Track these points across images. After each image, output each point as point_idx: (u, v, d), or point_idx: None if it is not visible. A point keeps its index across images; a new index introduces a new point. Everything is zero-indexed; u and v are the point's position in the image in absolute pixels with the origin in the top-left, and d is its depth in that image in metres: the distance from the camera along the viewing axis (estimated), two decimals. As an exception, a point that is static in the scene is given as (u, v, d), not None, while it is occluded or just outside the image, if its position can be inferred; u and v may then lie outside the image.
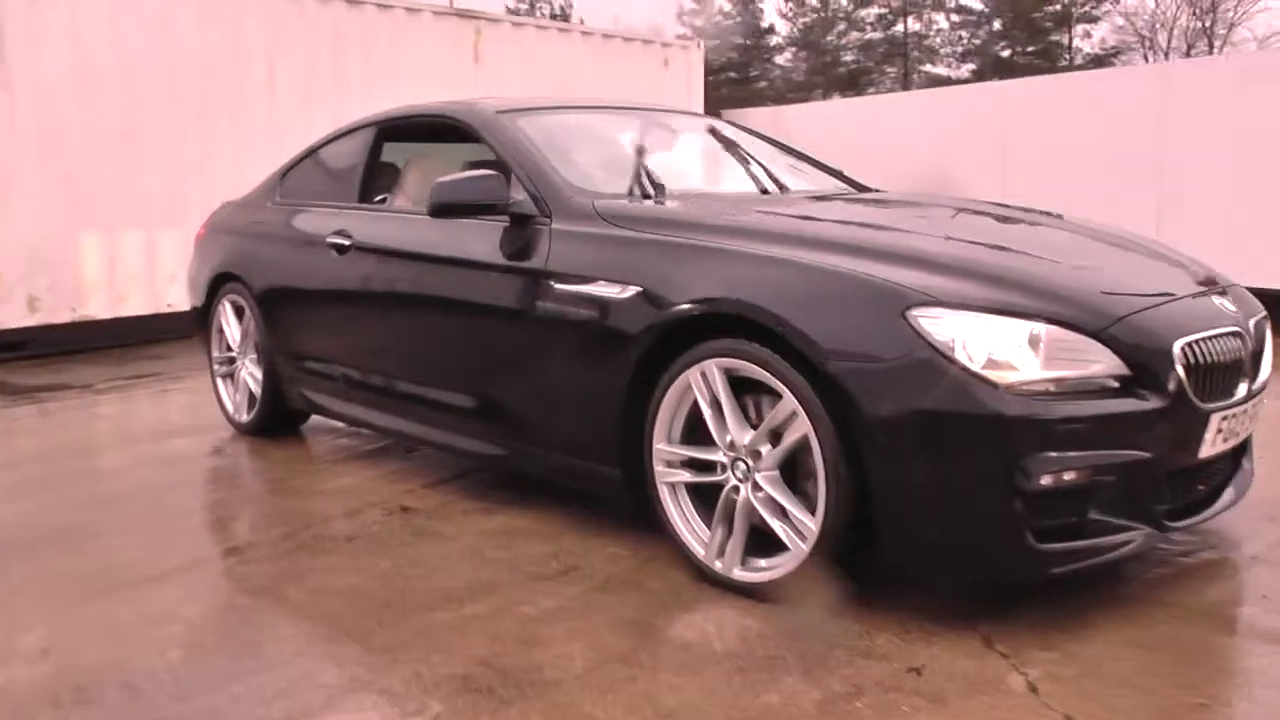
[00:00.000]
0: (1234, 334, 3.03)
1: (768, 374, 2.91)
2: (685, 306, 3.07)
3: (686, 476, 3.19)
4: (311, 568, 3.33)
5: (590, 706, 2.45)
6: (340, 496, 4.10)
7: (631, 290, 3.22)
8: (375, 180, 4.70)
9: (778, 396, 2.96)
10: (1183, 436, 2.89)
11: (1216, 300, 3.17)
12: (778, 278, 2.94)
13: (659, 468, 3.22)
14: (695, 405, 3.14)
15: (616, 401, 3.27)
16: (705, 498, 3.22)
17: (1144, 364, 2.80)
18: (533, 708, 2.45)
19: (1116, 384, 2.77)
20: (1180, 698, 2.47)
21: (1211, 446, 2.95)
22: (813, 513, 2.89)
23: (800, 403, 2.85)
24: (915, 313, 2.71)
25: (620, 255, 3.33)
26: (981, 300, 2.76)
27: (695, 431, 3.18)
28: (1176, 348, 2.85)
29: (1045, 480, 2.67)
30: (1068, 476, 2.70)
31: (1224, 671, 2.68)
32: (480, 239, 3.75)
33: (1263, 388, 3.19)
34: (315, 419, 5.08)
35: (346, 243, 4.38)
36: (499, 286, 3.66)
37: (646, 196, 3.70)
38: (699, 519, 3.20)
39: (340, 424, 4.95)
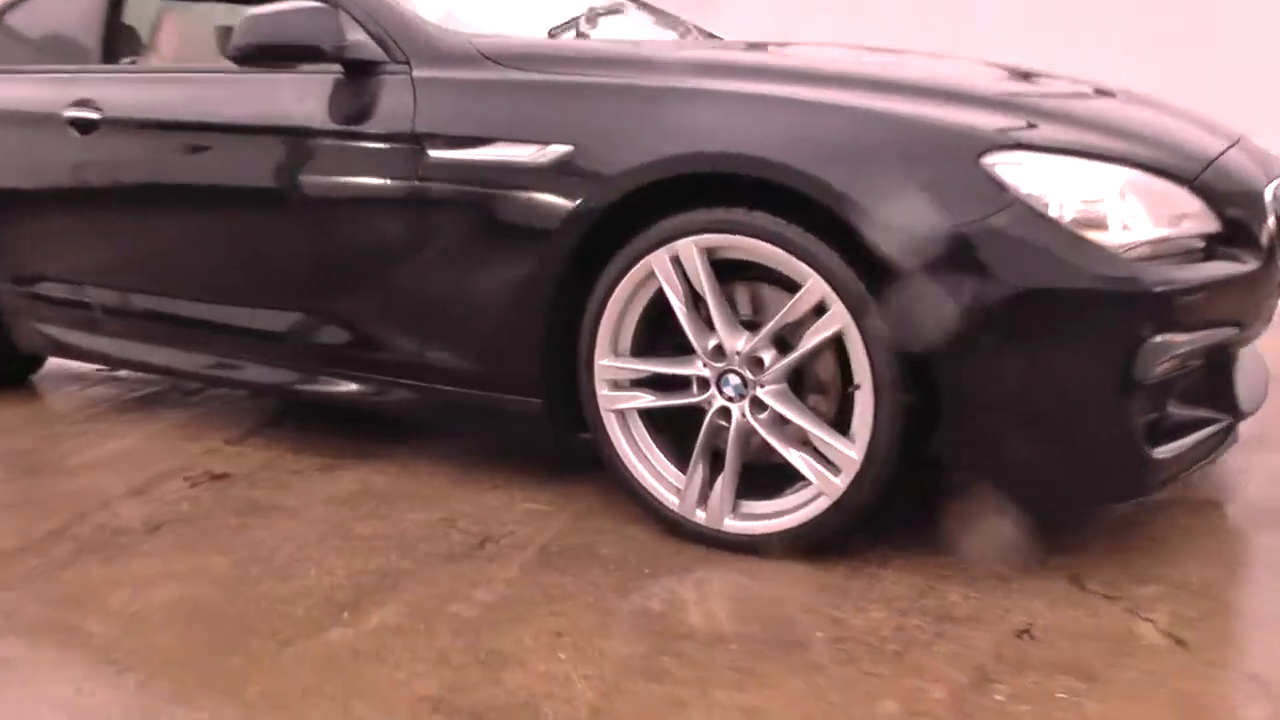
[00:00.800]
0: None
1: (783, 252, 2.08)
2: (656, 165, 2.18)
3: (647, 399, 2.33)
4: (109, 579, 2.25)
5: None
6: (118, 467, 2.96)
7: (556, 151, 2.30)
8: (121, 38, 3.45)
9: (780, 285, 2.16)
10: (1265, 304, 2.32)
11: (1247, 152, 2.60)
12: (801, 125, 2.12)
13: (604, 391, 2.35)
14: (650, 306, 2.29)
15: (537, 306, 2.37)
16: (668, 428, 2.38)
17: (1237, 218, 2.17)
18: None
19: (1202, 243, 2.13)
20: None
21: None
22: (848, 434, 2.12)
23: (835, 289, 2.04)
24: (993, 159, 1.97)
25: (533, 106, 2.40)
26: (1069, 142, 2.05)
27: (649, 342, 2.35)
28: (1269, 194, 2.25)
29: (1161, 369, 2.01)
30: (1172, 363, 2.05)
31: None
32: (302, 98, 2.70)
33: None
34: (51, 364, 3.83)
35: (94, 116, 3.15)
36: (339, 161, 2.64)
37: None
38: (661, 457, 2.35)
39: (92, 367, 3.73)
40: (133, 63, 3.42)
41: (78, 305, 3.34)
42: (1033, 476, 2.06)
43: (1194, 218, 2.13)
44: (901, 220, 1.99)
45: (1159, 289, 1.97)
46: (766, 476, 2.31)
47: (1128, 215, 2.01)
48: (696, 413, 2.32)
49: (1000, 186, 1.96)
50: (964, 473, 2.11)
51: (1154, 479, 2.08)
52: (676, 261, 2.21)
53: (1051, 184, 1.98)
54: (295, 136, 2.71)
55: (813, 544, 2.23)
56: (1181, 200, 2.12)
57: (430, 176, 2.46)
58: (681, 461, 2.36)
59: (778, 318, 2.14)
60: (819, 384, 2.28)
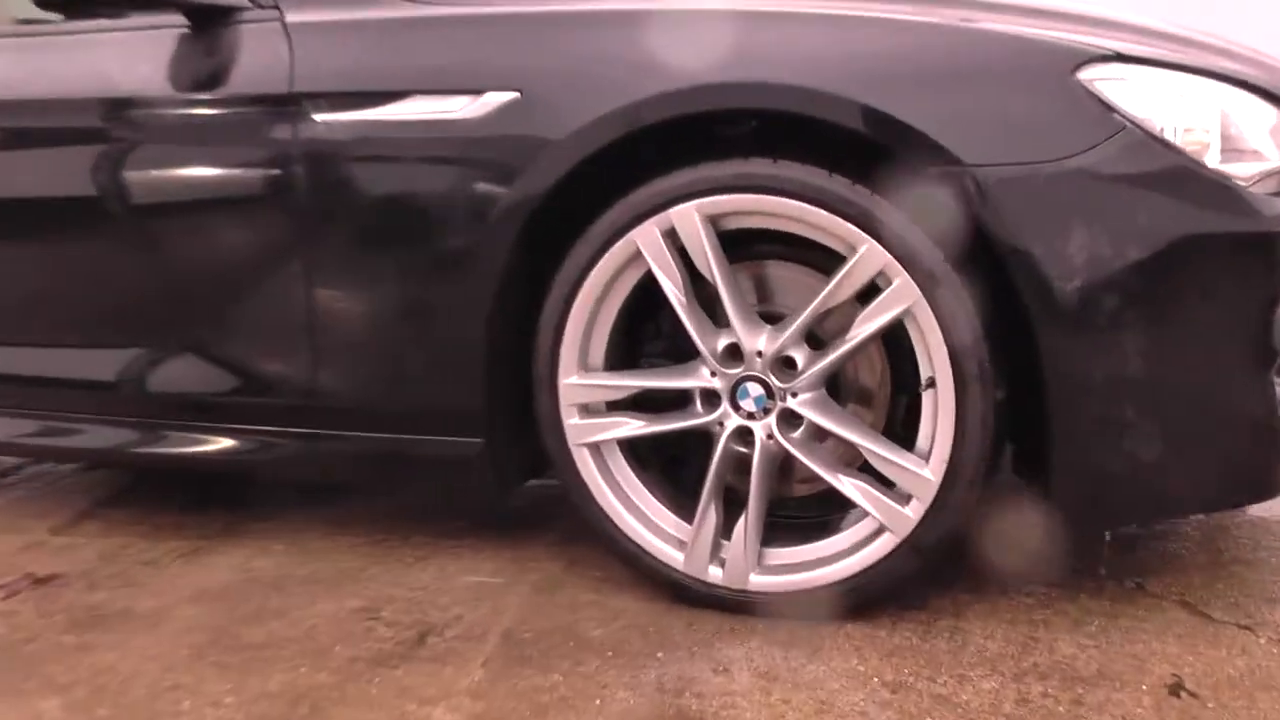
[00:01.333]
0: None
1: (825, 213, 1.56)
2: (644, 108, 1.63)
3: (635, 426, 1.76)
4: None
5: None
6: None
7: (495, 101, 1.72)
8: None
9: (802, 263, 1.66)
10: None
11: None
12: (846, 43, 1.61)
13: (573, 420, 1.76)
14: (629, 304, 1.74)
15: (476, 315, 1.78)
16: (655, 462, 1.84)
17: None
18: None
19: None
20: None
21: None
22: (914, 449, 1.64)
23: (898, 257, 1.53)
24: (1091, 74, 1.49)
25: (459, 45, 1.81)
26: (1176, 57, 1.60)
27: (619, 354, 1.82)
28: None
29: (1300, 335, 1.58)
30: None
31: None
32: (134, 61, 2.03)
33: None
34: None
35: None
36: (189, 141, 1.98)
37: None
38: (654, 501, 1.79)
39: None
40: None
41: None
42: (1156, 477, 1.58)
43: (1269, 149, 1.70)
44: (989, 156, 1.49)
45: (1303, 235, 1.53)
46: (792, 515, 1.78)
47: (1253, 141, 1.56)
48: (700, 439, 1.77)
49: (1106, 108, 1.49)
50: (1064, 483, 1.60)
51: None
52: (670, 236, 1.66)
53: (1164, 105, 1.53)
54: (125, 112, 2.03)
55: (873, 598, 1.69)
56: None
57: (317, 149, 1.84)
58: (679, 506, 1.80)
59: (818, 300, 1.62)
60: (859, 390, 1.76)
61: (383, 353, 1.88)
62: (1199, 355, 1.54)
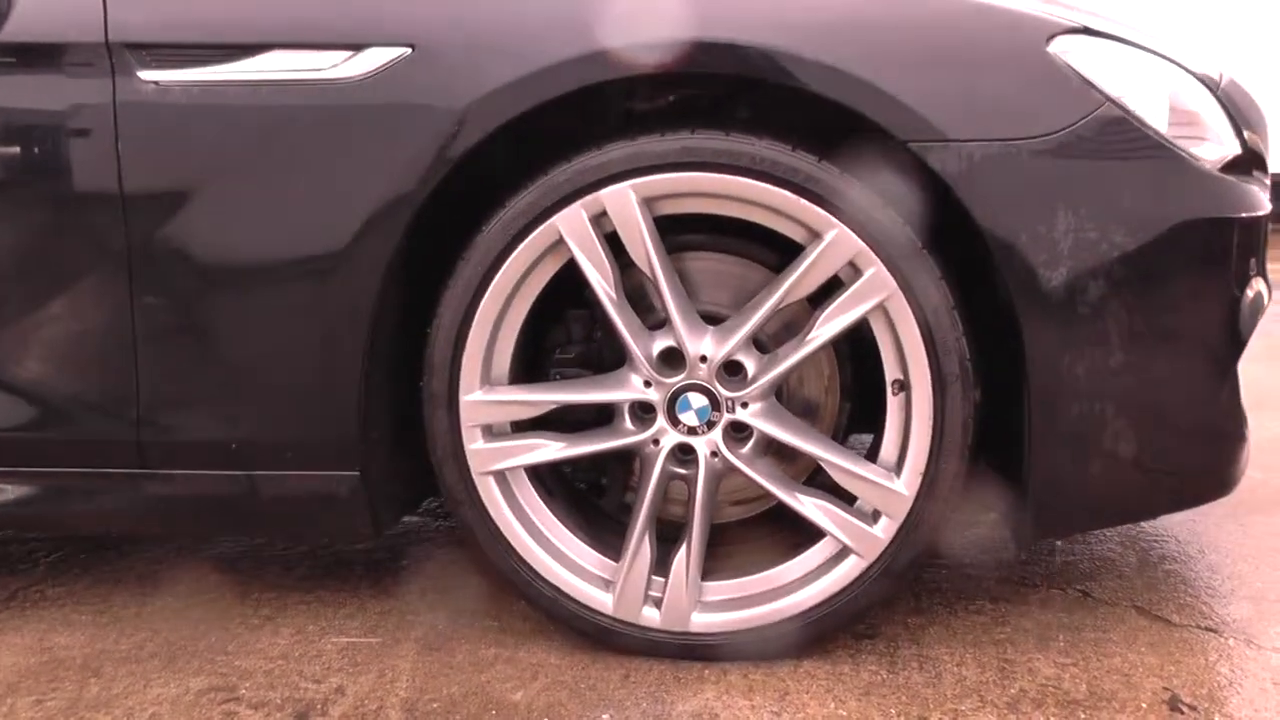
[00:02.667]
0: None
1: (790, 195, 1.38)
2: (576, 67, 1.39)
3: (553, 449, 1.51)
4: None
5: None
6: None
7: (379, 58, 1.44)
8: None
9: (742, 255, 1.49)
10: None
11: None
12: (816, 6, 1.41)
13: (477, 444, 1.50)
14: (532, 311, 1.51)
15: (351, 324, 1.49)
16: (561, 491, 1.61)
17: (1251, 142, 1.74)
18: None
19: None
20: None
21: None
22: (878, 460, 1.47)
23: (871, 245, 1.37)
24: (1060, 46, 1.38)
25: None
26: (1133, 35, 1.52)
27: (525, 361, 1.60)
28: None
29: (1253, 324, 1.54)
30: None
31: None
32: None
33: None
34: None
35: None
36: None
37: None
38: (570, 536, 1.55)
39: None
40: None
41: None
42: (1134, 475, 1.48)
43: (1225, 136, 1.66)
44: (972, 131, 1.35)
45: (1260, 216, 1.48)
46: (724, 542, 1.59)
47: (1221, 124, 1.50)
48: (619, 462, 1.55)
49: (1085, 82, 1.38)
50: (1041, 487, 1.48)
51: (1243, 467, 1.58)
52: (598, 222, 1.43)
53: (1127, 82, 1.43)
54: None
55: (831, 629, 1.52)
56: (1219, 116, 1.63)
57: (142, 117, 1.48)
58: (596, 540, 1.57)
59: (778, 295, 1.43)
60: (803, 399, 1.58)
61: (229, 372, 1.54)
62: (1176, 342, 1.45)
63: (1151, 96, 1.45)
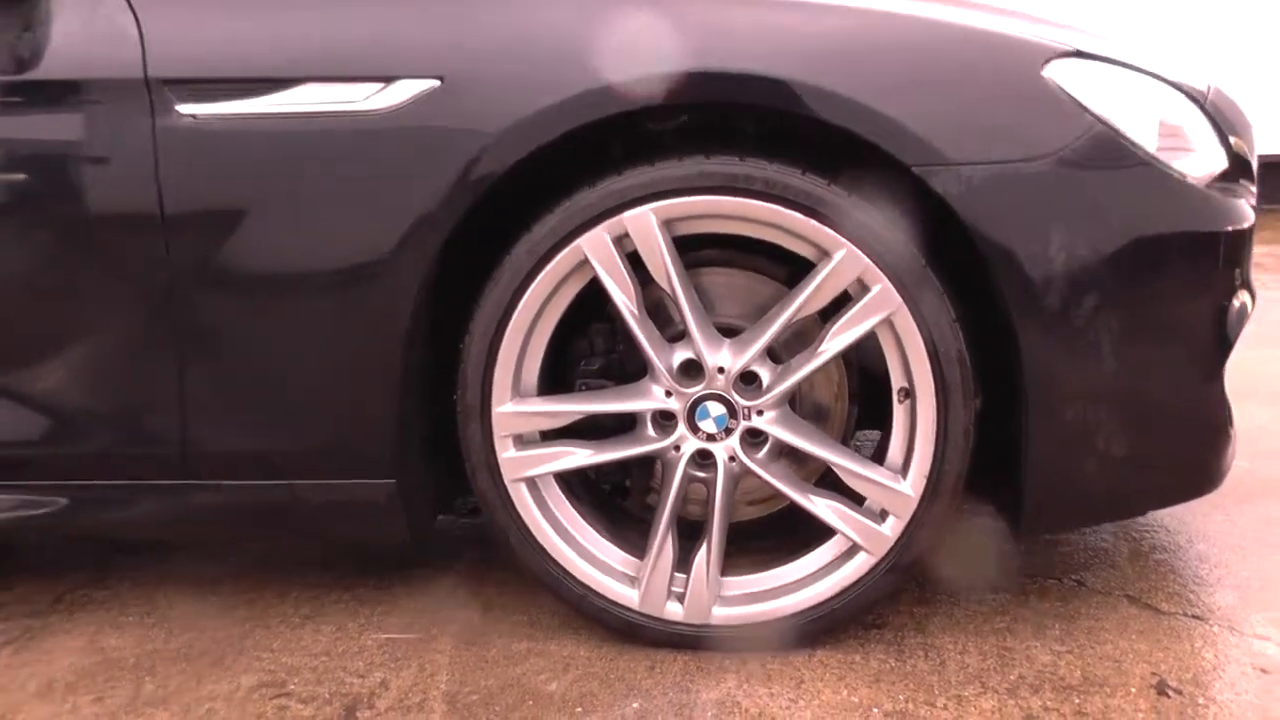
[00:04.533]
0: None
1: (800, 217, 1.52)
2: (601, 97, 1.52)
3: (582, 456, 1.65)
4: None
5: None
6: None
7: (410, 90, 1.57)
8: None
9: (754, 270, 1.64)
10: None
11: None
12: (825, 34, 1.56)
13: (509, 452, 1.64)
14: (560, 326, 1.65)
15: (387, 341, 1.63)
16: (586, 494, 1.75)
17: (1238, 150, 1.87)
18: None
19: None
20: None
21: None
22: (885, 463, 1.63)
23: (878, 263, 1.50)
24: (1054, 70, 1.52)
25: (365, 20, 1.62)
26: (1122, 55, 1.65)
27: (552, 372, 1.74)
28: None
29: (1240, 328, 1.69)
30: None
31: None
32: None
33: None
34: None
35: None
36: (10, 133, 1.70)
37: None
38: (597, 536, 1.70)
39: None
40: None
41: None
42: (1124, 475, 1.62)
43: (1212, 149, 1.79)
44: (970, 153, 1.48)
45: (1245, 228, 1.62)
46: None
47: (1207, 141, 1.63)
48: (641, 465, 1.69)
49: (1077, 105, 1.51)
50: (1035, 487, 1.62)
51: (1230, 463, 1.72)
52: (620, 242, 1.56)
53: (1118, 103, 1.57)
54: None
55: (842, 621, 1.66)
56: (1205, 129, 1.76)
57: (180, 147, 1.61)
58: (621, 539, 1.71)
59: (791, 310, 1.57)
60: (814, 404, 1.72)
61: (270, 389, 1.68)
62: (1166, 350, 1.60)
63: (1140, 115, 1.59)
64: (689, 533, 1.70)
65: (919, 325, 1.53)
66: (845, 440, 1.76)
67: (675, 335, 1.64)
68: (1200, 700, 1.52)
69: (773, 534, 1.78)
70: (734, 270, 1.72)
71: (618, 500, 1.82)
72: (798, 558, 1.68)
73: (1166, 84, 1.65)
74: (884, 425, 1.67)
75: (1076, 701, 1.52)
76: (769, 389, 1.61)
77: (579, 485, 1.76)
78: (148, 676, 1.72)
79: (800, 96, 1.49)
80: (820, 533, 1.66)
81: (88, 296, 1.69)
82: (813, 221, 1.52)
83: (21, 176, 1.68)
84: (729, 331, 1.64)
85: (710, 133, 1.62)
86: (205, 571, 2.05)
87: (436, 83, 1.55)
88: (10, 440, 1.74)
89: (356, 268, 1.61)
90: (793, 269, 1.65)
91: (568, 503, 1.70)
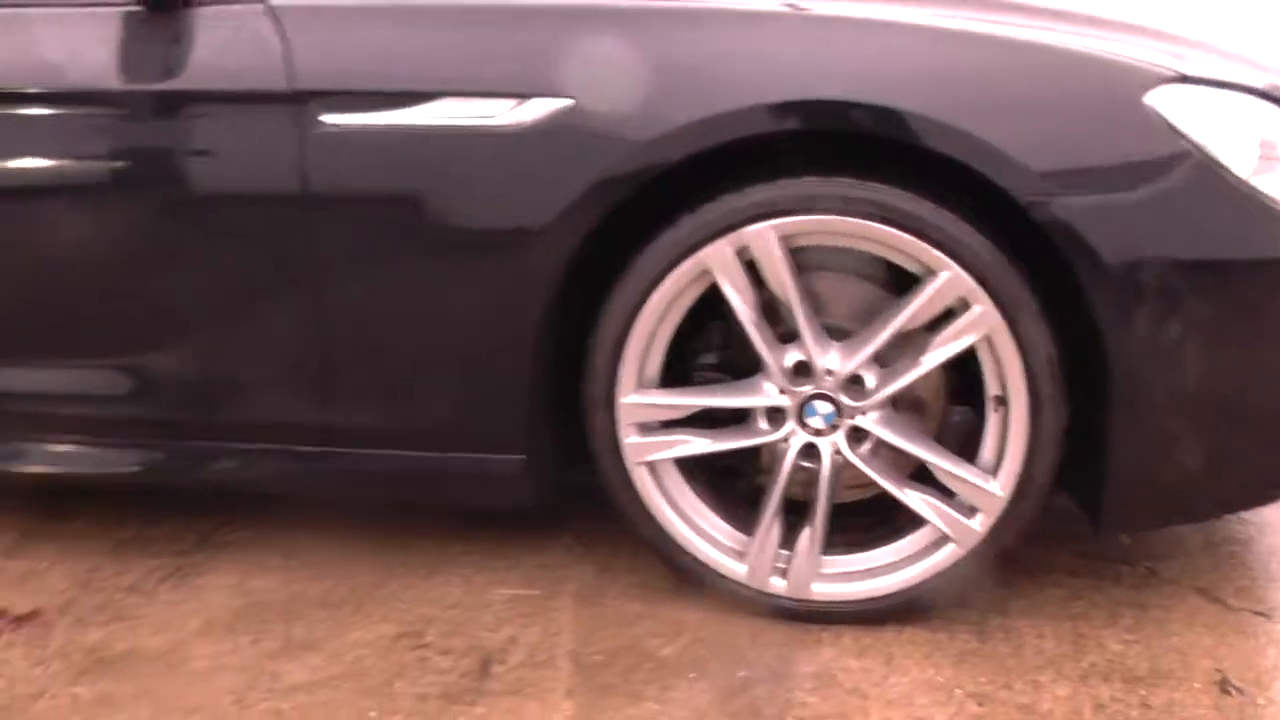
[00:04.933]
0: None
1: (908, 238, 1.65)
2: (729, 121, 1.66)
3: (699, 444, 1.82)
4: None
5: None
6: None
7: (545, 108, 1.71)
8: None
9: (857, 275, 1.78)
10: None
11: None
12: (940, 62, 1.68)
13: (632, 438, 1.81)
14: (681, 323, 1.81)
15: (520, 336, 1.80)
16: (700, 472, 1.90)
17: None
18: None
19: None
20: None
21: None
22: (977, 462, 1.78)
23: (981, 283, 1.63)
24: (1158, 96, 1.61)
25: (499, 38, 1.78)
26: (1229, 75, 1.74)
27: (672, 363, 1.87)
28: None
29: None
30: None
31: None
32: (84, 44, 1.88)
33: None
34: None
35: None
36: (162, 143, 1.88)
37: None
38: (710, 514, 1.87)
39: None
40: None
41: None
42: (1205, 479, 1.76)
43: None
44: (1071, 182, 1.60)
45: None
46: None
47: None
48: (749, 454, 1.85)
49: (1175, 133, 1.61)
50: (1116, 491, 1.76)
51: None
52: (740, 254, 1.71)
53: (1224, 127, 1.66)
54: (82, 106, 1.90)
55: (927, 604, 1.83)
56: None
57: (325, 157, 1.78)
58: (730, 514, 1.88)
59: (895, 324, 1.71)
60: (914, 402, 1.86)
61: (413, 372, 1.86)
62: (1252, 360, 1.70)
63: (1239, 138, 1.67)
64: (791, 508, 1.86)
65: (1016, 343, 1.66)
66: (942, 431, 1.89)
67: (786, 334, 1.78)
68: (1260, 700, 1.66)
69: (868, 515, 1.93)
70: (842, 274, 1.85)
71: (728, 481, 1.98)
72: (891, 542, 1.83)
73: (1269, 100, 1.72)
74: (974, 402, 1.80)
75: (1143, 693, 1.67)
76: (874, 392, 1.75)
77: (694, 465, 1.92)
78: (297, 620, 1.93)
79: (915, 129, 1.61)
80: (912, 520, 1.82)
81: (245, 284, 1.88)
82: (921, 243, 1.65)
83: (173, 179, 1.87)
84: (835, 332, 1.78)
85: (823, 145, 1.73)
86: (335, 519, 2.23)
87: (569, 102, 1.69)
88: (189, 404, 1.96)
89: (490, 270, 1.77)
90: (894, 273, 1.78)
91: (684, 483, 1.87)
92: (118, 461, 2.05)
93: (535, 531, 2.17)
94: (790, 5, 1.76)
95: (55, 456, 2.04)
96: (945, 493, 1.79)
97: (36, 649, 1.88)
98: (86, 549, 2.20)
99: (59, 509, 2.32)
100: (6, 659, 1.85)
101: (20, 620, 1.96)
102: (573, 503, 2.08)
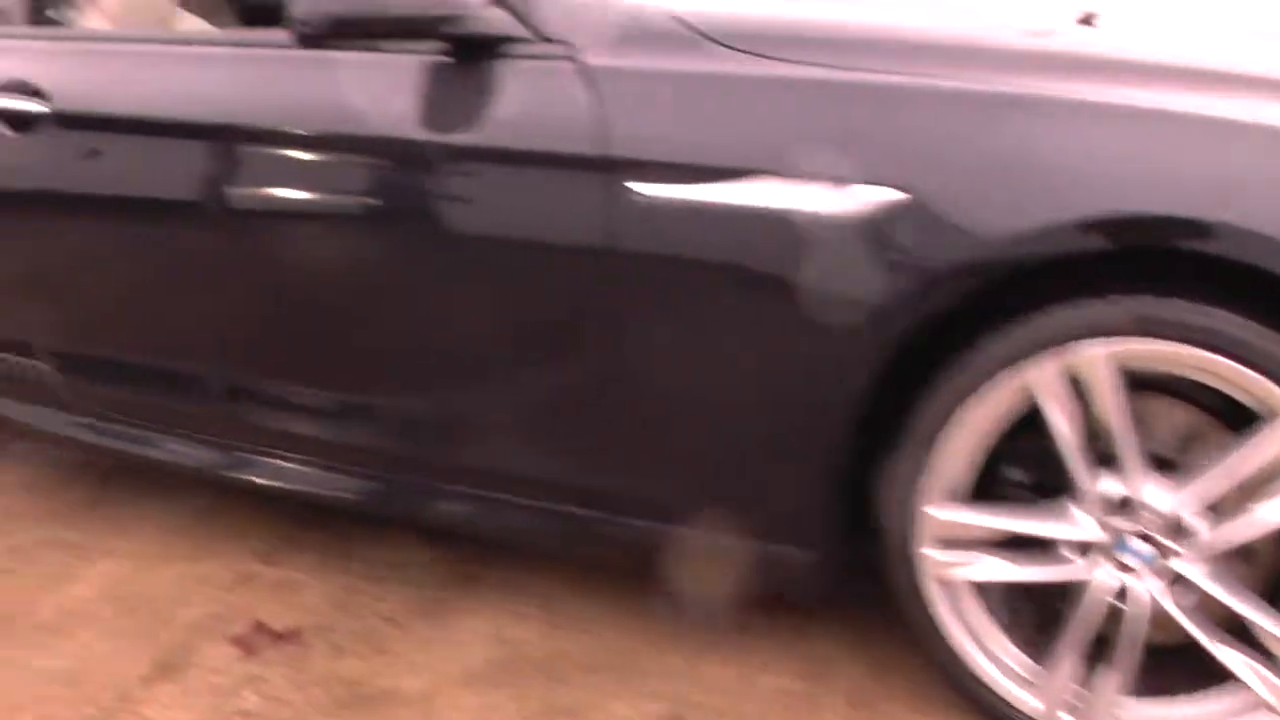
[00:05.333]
0: None
1: (1258, 376, 1.49)
2: (1091, 228, 1.49)
3: (998, 569, 1.70)
4: None
5: None
6: (115, 612, 2.16)
7: (875, 198, 1.59)
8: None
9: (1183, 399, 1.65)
10: None
11: None
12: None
13: (933, 552, 1.70)
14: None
15: (827, 427, 1.70)
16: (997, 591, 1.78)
17: None
18: None
19: None
20: None
21: None
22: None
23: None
24: None
25: (827, 119, 1.66)
26: None
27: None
28: None
29: None
30: None
31: None
32: (390, 92, 1.88)
33: None
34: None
35: (36, 109, 2.23)
36: (468, 196, 1.87)
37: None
38: (1002, 638, 1.76)
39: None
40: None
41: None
42: None
43: None
44: None
45: None
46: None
47: None
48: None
49: None
50: None
51: None
52: (1064, 373, 1.57)
53: None
54: (387, 154, 1.92)
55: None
56: None
57: (633, 226, 1.72)
58: (1019, 636, 1.76)
59: (1230, 465, 1.55)
60: (1243, 550, 1.68)
61: (697, 449, 1.82)
62: None
63: None
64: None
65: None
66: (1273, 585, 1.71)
67: (1103, 456, 1.64)
68: None
69: (1173, 653, 1.77)
70: (1169, 398, 1.68)
71: (1021, 597, 1.85)
72: (1199, 695, 1.68)
73: None
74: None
75: None
76: (1195, 541, 1.59)
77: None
78: (558, 684, 1.92)
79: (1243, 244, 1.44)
80: (1222, 673, 1.65)
81: (530, 338, 1.88)
82: (1269, 384, 1.48)
83: (471, 233, 1.86)
84: (1159, 461, 1.63)
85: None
86: (593, 575, 2.20)
87: (903, 195, 1.58)
88: (443, 447, 2.02)
89: (801, 350, 1.68)
90: (1223, 400, 1.60)
91: (976, 603, 1.76)
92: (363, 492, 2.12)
93: (812, 623, 2.08)
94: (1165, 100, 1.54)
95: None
96: (1265, 653, 1.62)
97: (296, 671, 1.94)
98: (341, 563, 2.27)
99: (320, 516, 2.39)
100: (267, 677, 1.93)
101: (280, 637, 2.03)
102: (843, 591, 2.00)
